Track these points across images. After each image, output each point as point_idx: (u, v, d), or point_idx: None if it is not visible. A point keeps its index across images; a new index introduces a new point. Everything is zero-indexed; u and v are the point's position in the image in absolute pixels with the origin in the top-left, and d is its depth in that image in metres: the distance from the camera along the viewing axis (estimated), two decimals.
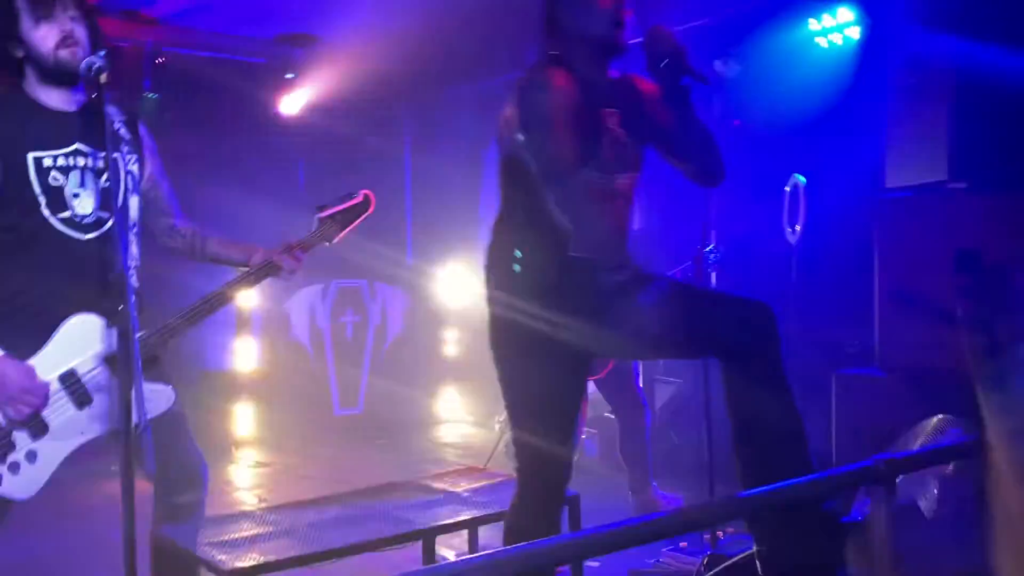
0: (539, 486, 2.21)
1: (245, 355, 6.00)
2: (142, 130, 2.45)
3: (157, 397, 2.32)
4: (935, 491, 2.78)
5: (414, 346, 6.50)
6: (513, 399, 2.26)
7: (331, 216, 2.60)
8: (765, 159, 4.26)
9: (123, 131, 2.36)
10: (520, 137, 2.14)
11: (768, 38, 4.47)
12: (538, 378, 2.18)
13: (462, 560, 1.33)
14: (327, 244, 2.61)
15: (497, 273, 2.28)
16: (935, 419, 2.97)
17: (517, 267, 2.20)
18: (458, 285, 6.77)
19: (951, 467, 2.82)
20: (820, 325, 4.13)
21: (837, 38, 4.26)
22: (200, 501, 2.51)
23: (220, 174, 6.47)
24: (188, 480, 2.44)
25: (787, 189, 4.16)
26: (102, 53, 2.09)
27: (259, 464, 5.58)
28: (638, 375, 3.90)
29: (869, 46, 4.12)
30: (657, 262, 3.93)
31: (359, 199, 2.64)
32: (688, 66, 2.16)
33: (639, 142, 2.30)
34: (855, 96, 4.10)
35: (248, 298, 5.99)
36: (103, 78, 2.04)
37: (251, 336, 6.05)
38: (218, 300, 2.41)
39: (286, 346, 6.14)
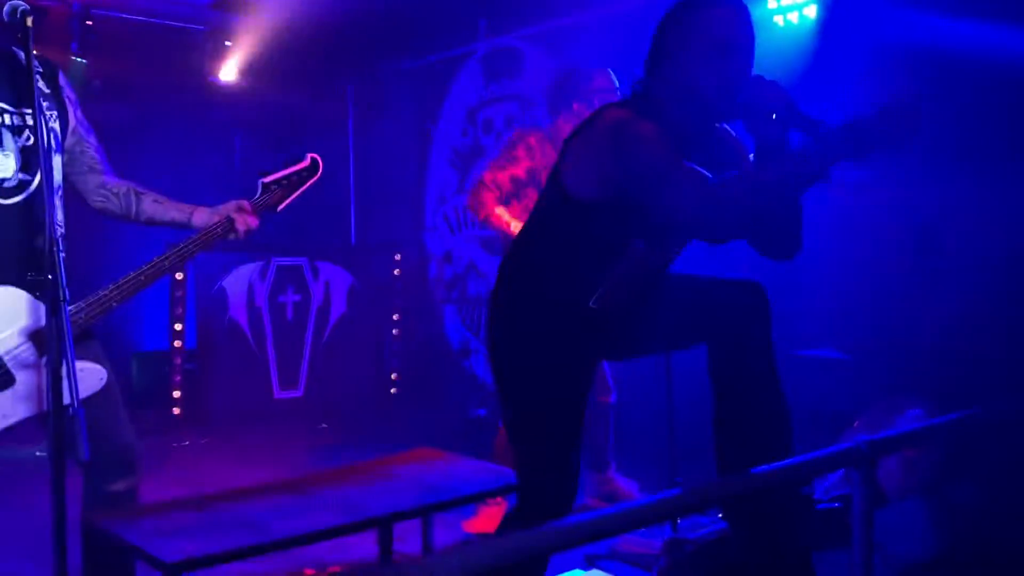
0: (547, 504, 2.10)
1: (179, 335, 5.74)
2: (62, 81, 2.24)
3: (88, 377, 2.15)
4: (898, 473, 2.77)
5: (359, 327, 6.31)
6: (523, 415, 2.15)
7: (276, 181, 2.46)
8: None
9: (41, 84, 2.16)
10: (612, 187, 1.95)
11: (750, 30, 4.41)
12: (551, 393, 2.09)
13: (431, 557, 1.21)
14: (271, 211, 2.47)
15: (512, 294, 2.16)
16: (896, 400, 2.96)
17: (535, 297, 2.09)
18: (404, 264, 6.61)
19: (910, 452, 2.82)
20: (776, 307, 4.10)
21: (794, 17, 4.22)
22: (134, 487, 2.35)
23: (151, 145, 6.18)
24: (121, 465, 2.29)
25: None
26: None
27: (196, 449, 5.36)
28: None
29: (827, 25, 4.09)
30: None
31: (306, 163, 2.50)
32: (802, 115, 1.89)
33: None
34: (814, 75, 4.06)
35: (183, 275, 5.74)
36: (29, 22, 1.85)
37: (186, 315, 5.79)
38: (158, 269, 2.24)
39: (223, 326, 5.90)
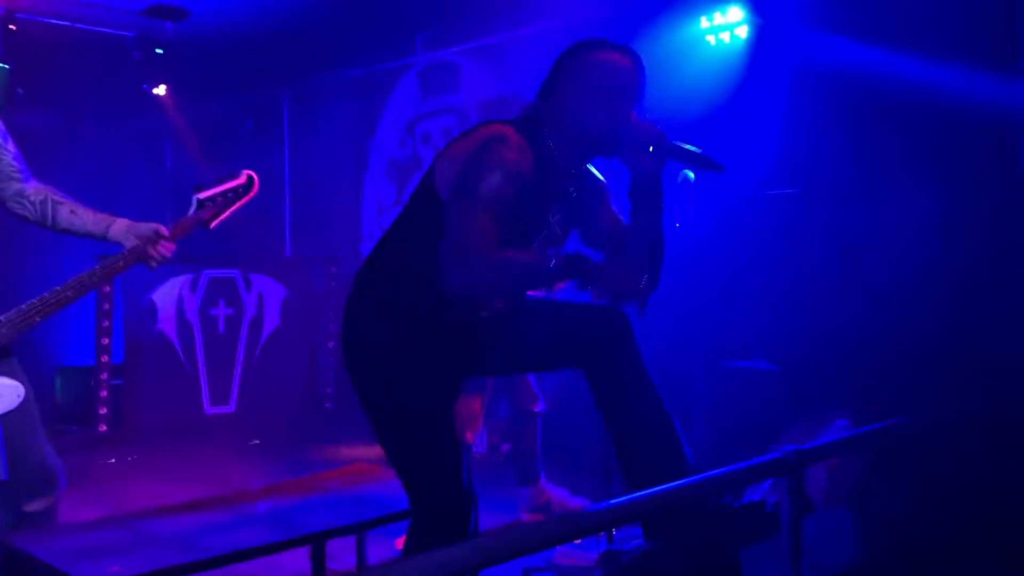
0: (439, 520, 2.05)
1: (106, 349, 5.58)
2: None
3: (5, 394, 2.08)
4: (824, 482, 2.84)
5: (293, 340, 6.22)
6: (389, 428, 2.09)
7: (211, 197, 2.42)
8: None
9: None
10: (448, 195, 1.97)
11: (658, 34, 4.50)
12: (419, 402, 2.05)
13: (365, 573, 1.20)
14: (204, 227, 2.43)
15: (373, 295, 2.13)
16: (824, 410, 3.03)
17: (398, 293, 2.07)
18: (340, 276, 6.54)
19: (833, 462, 2.89)
20: (706, 319, 4.18)
21: (726, 36, 4.33)
22: (53, 507, 2.28)
23: (78, 155, 6.02)
24: (39, 484, 2.21)
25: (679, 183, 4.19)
26: None
27: (123, 467, 5.20)
28: None
29: (758, 46, 4.20)
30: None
31: (241, 180, 2.47)
32: (675, 146, 1.97)
33: (569, 229, 2.17)
34: (745, 94, 4.17)
35: (110, 288, 5.58)
36: None
37: (112, 329, 5.63)
38: (78, 289, 2.19)
39: (151, 340, 5.75)
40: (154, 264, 2.30)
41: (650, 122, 1.99)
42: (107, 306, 5.58)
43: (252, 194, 2.50)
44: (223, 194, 2.43)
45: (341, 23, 5.69)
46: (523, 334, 2.10)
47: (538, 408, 3.76)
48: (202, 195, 2.40)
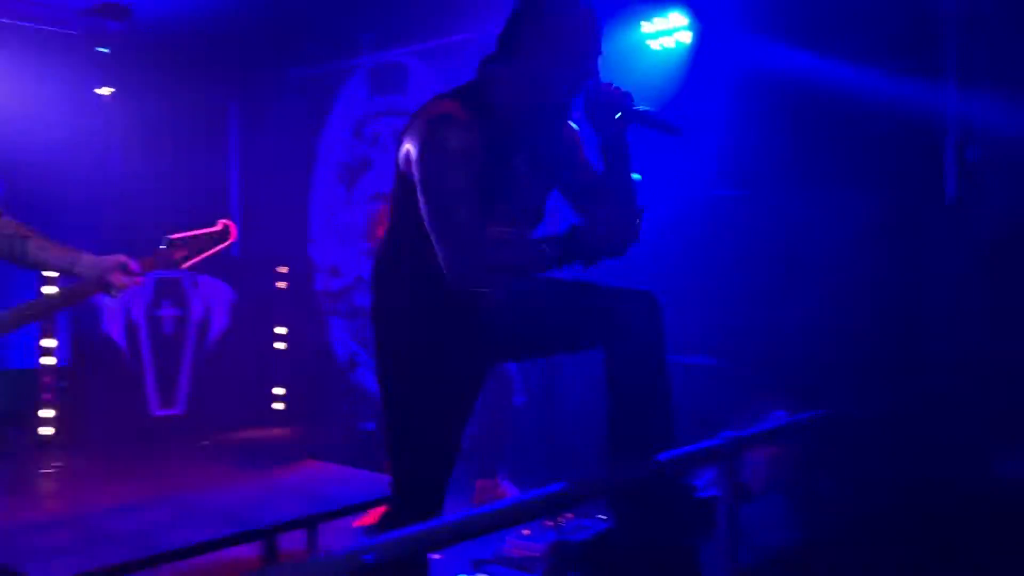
0: (419, 504, 2.11)
1: (50, 352, 5.49)
2: None
3: None
4: (762, 470, 2.95)
5: (242, 341, 6.18)
6: (403, 411, 2.14)
7: (183, 240, 2.44)
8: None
9: None
10: (418, 191, 1.99)
11: (604, 39, 4.59)
12: (432, 392, 2.10)
13: (293, 565, 1.23)
14: (172, 267, 2.46)
15: (387, 291, 2.17)
16: (765, 402, 3.15)
17: (406, 289, 2.10)
18: (289, 277, 6.53)
19: (770, 449, 3.00)
20: None
21: (669, 42, 4.43)
22: None
23: (19, 157, 5.91)
24: None
25: None
26: None
27: (68, 470, 5.12)
28: None
29: (700, 50, 4.31)
30: None
31: (218, 227, 2.52)
32: (640, 113, 2.06)
33: (547, 191, 2.20)
34: (688, 98, 4.26)
35: (54, 288, 5.49)
36: None
37: (57, 331, 5.54)
38: (31, 315, 2.20)
39: (97, 342, 5.67)
40: (115, 293, 2.30)
41: (617, 88, 2.06)
42: None
43: (227, 243, 2.56)
44: (196, 238, 2.47)
45: (288, 23, 5.68)
46: (547, 316, 2.12)
47: (517, 401, 3.76)
48: (175, 236, 2.44)
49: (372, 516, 3.50)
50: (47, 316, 2.27)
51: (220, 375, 6.03)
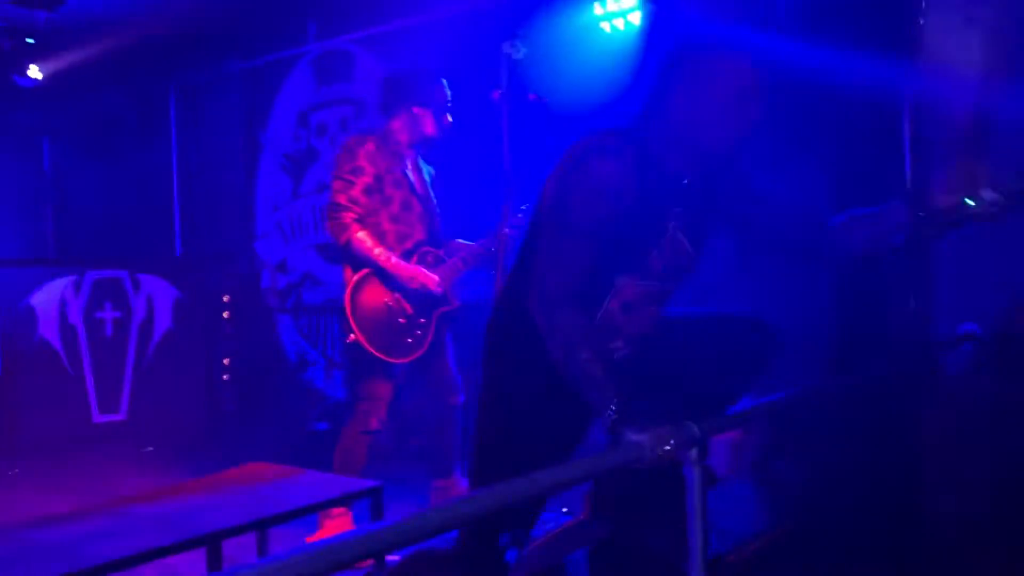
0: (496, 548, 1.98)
1: None
2: None
3: None
4: (725, 457, 2.89)
5: (187, 342, 5.97)
6: (507, 445, 2.01)
7: None
8: (559, 139, 4.27)
9: None
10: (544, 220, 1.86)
11: (554, 21, 4.50)
12: (537, 439, 1.97)
13: (271, 559, 1.12)
14: None
15: (502, 338, 2.06)
16: None
17: (523, 338, 1.94)
18: (234, 274, 6.33)
19: (736, 434, 2.95)
20: None
21: (620, 23, 4.35)
22: None
23: None
24: None
25: None
26: None
27: (5, 480, 4.89)
28: (452, 356, 3.71)
29: (652, 32, 4.24)
30: (455, 235, 3.80)
31: None
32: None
33: (699, 248, 2.05)
34: (642, 81, 4.19)
35: None
36: None
37: None
38: None
39: (32, 347, 5.43)
40: None
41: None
42: None
43: None
44: None
45: (228, 11, 5.49)
46: (674, 356, 2.01)
47: (459, 399, 3.67)
48: None
49: (327, 532, 3.37)
50: None
51: (164, 378, 5.81)
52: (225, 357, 6.14)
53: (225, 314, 6.17)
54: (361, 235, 3.41)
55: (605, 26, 4.40)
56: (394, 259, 3.44)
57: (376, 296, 3.48)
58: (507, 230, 3.53)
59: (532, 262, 1.92)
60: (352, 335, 3.47)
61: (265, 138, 6.31)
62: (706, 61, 1.88)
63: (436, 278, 3.50)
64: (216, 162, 6.68)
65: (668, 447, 1.72)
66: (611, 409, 1.74)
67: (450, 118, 3.61)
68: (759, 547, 2.30)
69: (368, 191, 3.44)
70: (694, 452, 1.82)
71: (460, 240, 3.75)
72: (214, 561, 2.25)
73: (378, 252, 3.42)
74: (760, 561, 2.23)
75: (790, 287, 3.47)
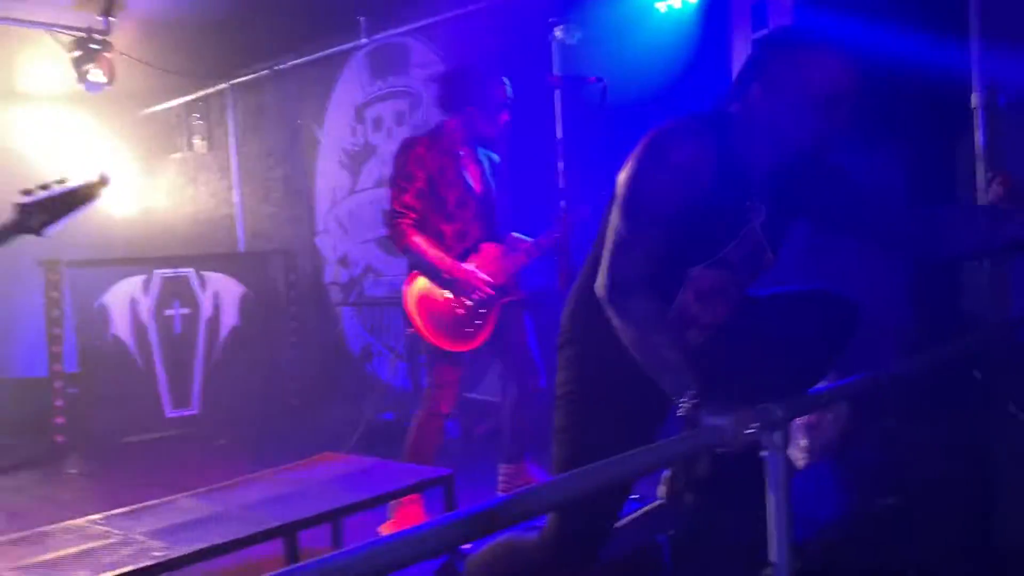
0: (583, 531, 1.96)
1: (58, 358, 5.39)
2: None
3: None
4: (803, 441, 2.82)
5: (253, 337, 6.07)
6: (588, 429, 1.98)
7: (40, 203, 2.10)
8: (614, 124, 4.22)
9: None
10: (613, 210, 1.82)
11: (605, 4, 4.44)
12: (621, 415, 1.94)
13: (342, 553, 1.11)
14: (33, 233, 2.13)
15: (584, 322, 2.02)
16: None
17: (604, 321, 1.88)
18: (297, 269, 6.42)
19: (813, 417, 2.87)
20: None
21: (676, 2, 4.27)
22: None
23: (15, 153, 5.84)
24: None
25: None
26: None
27: (83, 475, 5.03)
28: (534, 340, 3.70)
29: (710, 11, 4.15)
30: (510, 228, 3.78)
31: (90, 179, 2.14)
32: None
33: (778, 242, 1.98)
34: (697, 60, 4.11)
35: (58, 294, 5.40)
36: None
37: (65, 337, 5.45)
38: None
39: (106, 345, 5.58)
40: None
41: None
42: (57, 313, 5.39)
43: (95, 197, 2.14)
44: (61, 196, 2.10)
45: (283, 9, 5.54)
46: (742, 348, 1.96)
47: (540, 383, 3.66)
48: (27, 200, 2.09)
49: (398, 523, 3.39)
50: None
51: (232, 372, 5.92)
52: (292, 351, 6.23)
53: (291, 309, 6.27)
54: (417, 239, 3.43)
55: (661, 6, 4.32)
56: (449, 261, 3.45)
57: (434, 289, 3.49)
58: (568, 216, 3.50)
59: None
60: (412, 328, 3.50)
61: (323, 134, 6.37)
62: (802, 57, 1.81)
63: (489, 281, 3.50)
64: (275, 159, 6.77)
65: (750, 430, 1.68)
66: (689, 394, 1.70)
67: (507, 116, 3.58)
68: (842, 533, 2.24)
69: (420, 195, 3.46)
70: (776, 435, 1.78)
71: (517, 234, 3.73)
72: (291, 551, 2.27)
73: (433, 254, 3.44)
74: (844, 547, 2.18)
75: (862, 265, 3.38)
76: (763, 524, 1.78)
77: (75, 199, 2.11)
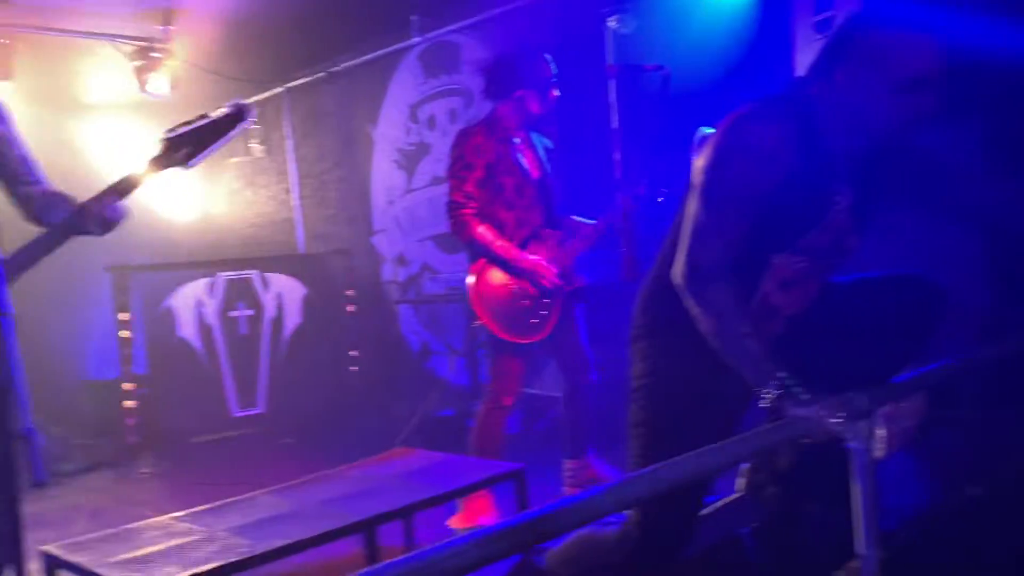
0: (665, 526, 1.95)
1: (129, 360, 5.53)
2: None
3: None
4: (881, 430, 2.76)
5: (315, 336, 6.17)
6: (668, 423, 1.96)
7: (184, 135, 2.11)
8: (675, 112, 4.17)
9: None
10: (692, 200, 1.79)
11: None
12: (701, 417, 1.91)
13: (428, 551, 1.12)
14: (180, 167, 2.13)
15: (659, 314, 2.00)
16: None
17: (679, 311, 1.85)
18: (356, 269, 6.49)
19: (890, 406, 2.81)
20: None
21: None
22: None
23: (76, 162, 5.99)
24: None
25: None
26: None
27: (156, 475, 5.16)
28: (584, 334, 3.70)
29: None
30: (570, 212, 3.77)
31: (227, 110, 2.13)
32: None
33: (862, 227, 1.93)
34: (757, 49, 4.04)
35: (126, 299, 5.54)
36: None
37: (134, 339, 5.59)
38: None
39: (173, 347, 5.71)
40: (94, 229, 2.14)
41: None
42: (126, 316, 5.54)
43: (243, 124, 2.15)
44: (202, 128, 2.12)
45: (334, 11, 5.60)
46: (826, 336, 1.93)
47: (592, 378, 3.65)
48: (171, 133, 2.12)
49: (467, 515, 3.41)
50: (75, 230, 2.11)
51: (296, 371, 6.02)
52: (352, 349, 6.31)
53: (350, 308, 6.34)
54: (482, 229, 3.44)
55: None
56: (515, 251, 3.45)
57: (499, 280, 3.50)
58: (631, 207, 3.48)
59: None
60: (478, 320, 3.51)
61: (377, 134, 6.43)
62: (886, 37, 1.77)
63: (555, 270, 3.49)
64: (331, 160, 6.85)
65: (836, 420, 1.65)
66: (773, 383, 1.68)
67: (556, 92, 3.57)
68: (928, 524, 2.18)
69: (481, 184, 3.46)
70: (862, 425, 1.74)
71: (576, 217, 3.72)
72: (370, 547, 2.30)
73: (499, 244, 3.44)
74: (931, 538, 2.12)
75: (935, 244, 3.29)
76: (847, 516, 1.75)
77: (216, 130, 2.13)
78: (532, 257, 3.48)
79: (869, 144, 1.84)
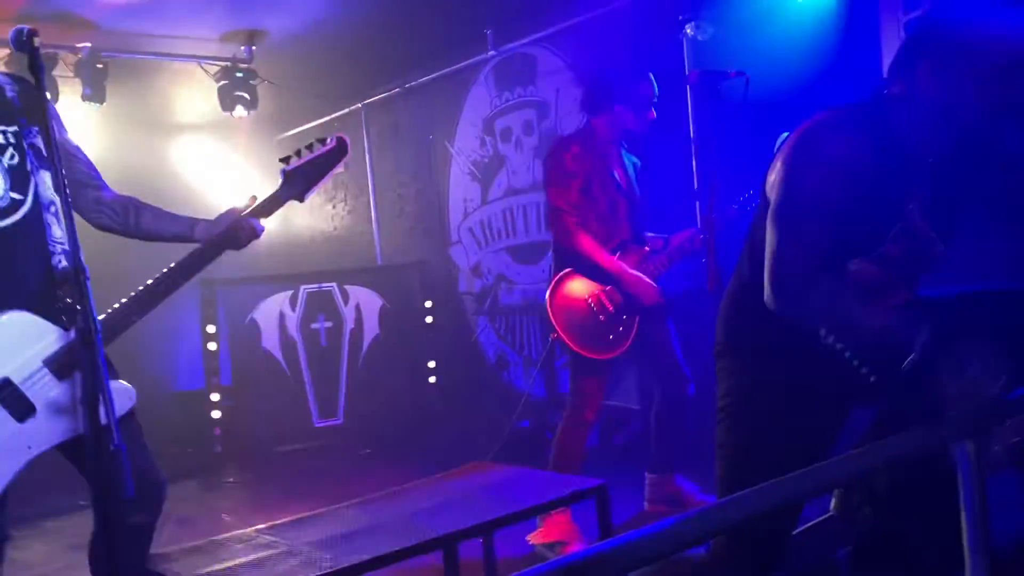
0: (755, 551, 1.88)
1: (215, 372, 5.68)
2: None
3: (120, 397, 2.02)
4: (996, 449, 2.61)
5: (393, 347, 6.22)
6: (755, 444, 1.89)
7: (299, 169, 2.27)
8: (757, 119, 4.07)
9: (16, 100, 2.08)
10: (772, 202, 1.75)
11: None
12: (791, 438, 1.83)
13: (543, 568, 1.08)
14: (298, 200, 2.31)
15: (739, 329, 1.96)
16: None
17: (760, 326, 1.82)
18: (433, 280, 6.53)
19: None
20: None
21: None
22: (153, 524, 2.20)
23: (165, 181, 6.18)
24: (145, 496, 2.05)
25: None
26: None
27: (240, 484, 5.26)
28: (678, 346, 3.63)
29: (854, 2, 3.94)
30: (653, 228, 3.71)
31: (332, 144, 2.31)
32: None
33: (944, 233, 1.86)
34: (841, 52, 3.91)
35: (213, 311, 5.69)
36: (36, 42, 1.80)
37: (220, 351, 5.73)
38: (170, 282, 2.13)
39: (257, 359, 5.82)
40: (243, 241, 2.23)
41: None
42: (212, 329, 5.68)
43: (345, 158, 2.34)
44: (312, 163, 2.28)
45: (412, 28, 5.66)
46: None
47: (689, 390, 3.58)
48: (289, 167, 2.27)
49: (547, 530, 3.36)
50: (199, 269, 2.21)
51: (375, 383, 6.08)
52: (430, 360, 6.33)
53: (427, 319, 6.37)
54: (586, 240, 3.42)
55: None
56: (618, 264, 3.42)
57: (576, 295, 3.46)
58: (713, 216, 3.40)
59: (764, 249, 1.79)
60: (555, 333, 3.47)
61: (453, 147, 6.46)
62: (971, 31, 1.71)
63: (657, 288, 3.43)
64: (408, 173, 6.92)
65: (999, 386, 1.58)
66: (920, 341, 1.61)
67: (654, 113, 3.51)
68: None
69: (582, 192, 3.44)
70: (970, 444, 1.65)
71: (652, 234, 3.66)
72: (451, 562, 2.28)
73: (603, 257, 3.42)
74: None
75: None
76: (951, 538, 1.65)
77: (325, 164, 2.26)
78: (635, 272, 3.43)
79: (955, 139, 1.76)
